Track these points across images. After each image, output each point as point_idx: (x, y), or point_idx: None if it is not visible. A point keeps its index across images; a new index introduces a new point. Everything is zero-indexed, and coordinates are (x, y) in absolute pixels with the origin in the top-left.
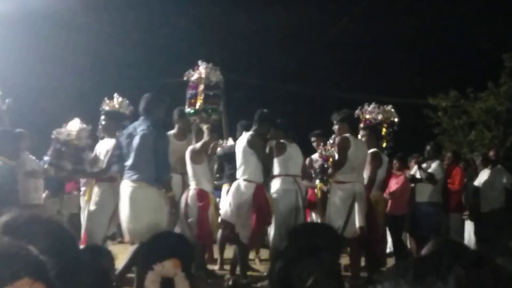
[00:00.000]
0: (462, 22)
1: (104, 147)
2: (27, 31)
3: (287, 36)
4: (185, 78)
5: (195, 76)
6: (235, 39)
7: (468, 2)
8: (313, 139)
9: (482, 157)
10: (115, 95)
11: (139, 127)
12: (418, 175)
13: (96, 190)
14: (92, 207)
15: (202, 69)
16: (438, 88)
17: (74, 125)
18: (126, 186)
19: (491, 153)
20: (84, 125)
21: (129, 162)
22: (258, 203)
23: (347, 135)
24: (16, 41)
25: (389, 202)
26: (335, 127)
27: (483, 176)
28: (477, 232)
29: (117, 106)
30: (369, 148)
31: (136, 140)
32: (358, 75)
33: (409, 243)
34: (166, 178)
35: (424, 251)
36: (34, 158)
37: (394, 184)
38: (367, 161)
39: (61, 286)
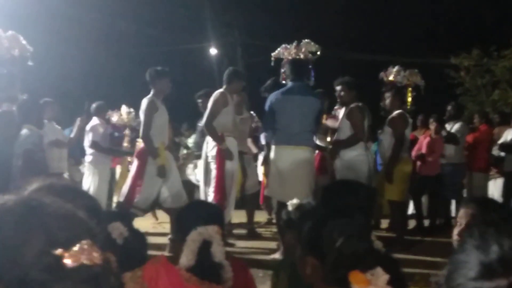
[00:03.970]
0: None
1: None
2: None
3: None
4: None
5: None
6: (251, 3)
7: None
8: (199, 100)
9: (499, 116)
10: (123, 106)
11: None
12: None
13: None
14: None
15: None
16: (460, 47)
17: (124, 110)
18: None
19: None
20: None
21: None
22: None
23: (360, 104)
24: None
25: (418, 163)
26: (342, 93)
27: (509, 135)
28: (505, 191)
29: (124, 117)
30: (393, 110)
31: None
32: (377, 36)
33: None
34: None
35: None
36: (59, 128)
37: (424, 145)
38: (393, 123)
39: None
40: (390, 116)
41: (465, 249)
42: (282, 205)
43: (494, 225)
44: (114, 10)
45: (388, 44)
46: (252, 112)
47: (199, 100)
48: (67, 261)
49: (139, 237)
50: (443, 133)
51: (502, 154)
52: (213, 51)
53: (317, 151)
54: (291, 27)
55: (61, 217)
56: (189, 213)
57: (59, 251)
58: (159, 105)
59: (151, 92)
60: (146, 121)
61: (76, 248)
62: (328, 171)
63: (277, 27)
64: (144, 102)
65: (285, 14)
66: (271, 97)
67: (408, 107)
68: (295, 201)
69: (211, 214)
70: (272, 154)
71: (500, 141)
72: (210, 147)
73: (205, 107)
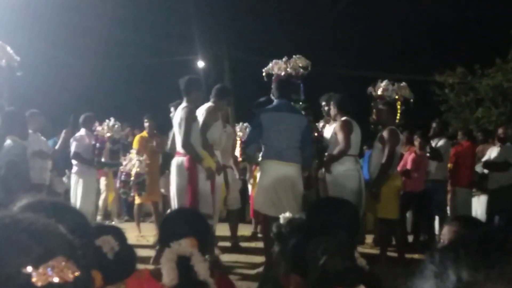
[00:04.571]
0: None
1: None
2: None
3: (291, 15)
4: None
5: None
6: (240, 17)
7: None
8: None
9: (482, 133)
10: (107, 120)
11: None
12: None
13: None
14: None
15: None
16: (445, 65)
17: (111, 123)
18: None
19: (500, 131)
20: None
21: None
22: None
23: (348, 118)
24: (23, 26)
25: (403, 179)
26: (328, 108)
27: (492, 153)
28: (489, 208)
29: (105, 129)
30: (387, 125)
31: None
32: (365, 53)
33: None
34: None
35: (449, 230)
36: (44, 139)
37: (409, 161)
38: (385, 139)
39: (86, 265)
40: (381, 133)
41: (424, 275)
42: (269, 219)
43: (454, 252)
44: (104, 20)
45: (374, 61)
46: (246, 124)
47: (172, 109)
48: (36, 280)
49: (130, 251)
50: (428, 149)
51: (486, 171)
52: (200, 64)
53: None
54: (279, 42)
55: (36, 233)
56: (165, 226)
57: (29, 269)
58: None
59: (184, 101)
60: (187, 129)
61: (48, 265)
62: (313, 187)
63: (265, 41)
64: (184, 111)
65: (273, 28)
66: (259, 113)
67: (397, 121)
68: (287, 214)
69: (187, 225)
70: (259, 168)
71: (483, 159)
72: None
73: None
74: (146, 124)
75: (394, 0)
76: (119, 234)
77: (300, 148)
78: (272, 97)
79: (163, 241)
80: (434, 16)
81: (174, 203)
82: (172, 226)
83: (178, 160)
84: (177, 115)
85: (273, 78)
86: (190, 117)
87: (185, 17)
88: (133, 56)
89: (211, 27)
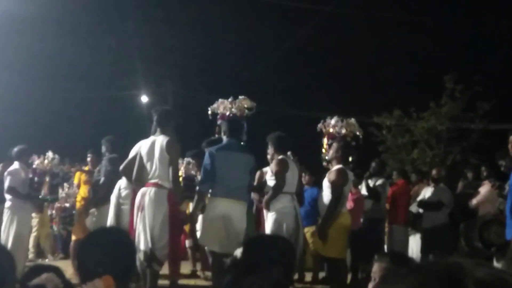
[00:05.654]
0: (406, 45)
1: None
2: None
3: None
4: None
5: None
6: (185, 55)
7: (411, 25)
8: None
9: (417, 174)
10: (47, 153)
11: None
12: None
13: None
14: None
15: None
16: (383, 107)
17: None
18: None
19: (434, 172)
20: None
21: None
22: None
23: (284, 157)
24: None
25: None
26: (269, 150)
27: (427, 193)
28: (423, 247)
29: (45, 162)
30: (336, 163)
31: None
32: (307, 93)
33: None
34: None
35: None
36: None
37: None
38: (332, 179)
39: None
40: (329, 171)
41: None
42: (216, 255)
43: None
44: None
45: (317, 101)
46: (188, 159)
47: (106, 145)
48: None
49: None
50: (364, 188)
51: (421, 211)
52: (144, 99)
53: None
54: (224, 80)
55: None
56: (79, 262)
57: None
58: None
59: (160, 132)
60: (177, 164)
61: None
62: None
63: (210, 79)
64: (174, 145)
65: (218, 66)
66: (210, 152)
67: (350, 158)
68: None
69: (105, 257)
70: (208, 205)
71: (418, 198)
72: (123, 191)
73: (108, 150)
74: (88, 159)
75: (337, 45)
76: (58, 272)
77: (246, 187)
78: (215, 135)
79: (81, 280)
80: (374, 60)
81: (145, 237)
82: (86, 261)
83: (157, 191)
84: (153, 146)
85: (218, 117)
86: (179, 151)
87: (130, 53)
88: (75, 90)
89: (156, 63)
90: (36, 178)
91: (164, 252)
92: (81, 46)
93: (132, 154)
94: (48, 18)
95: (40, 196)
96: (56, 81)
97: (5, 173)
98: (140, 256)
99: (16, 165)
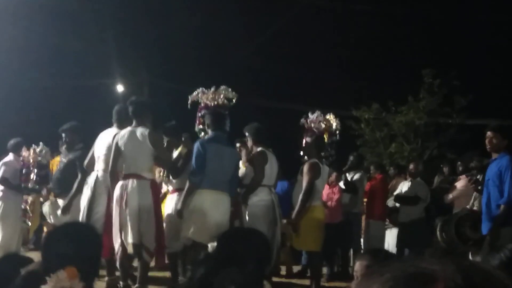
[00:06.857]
0: (385, 39)
1: None
2: None
3: (212, 43)
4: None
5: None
6: (160, 45)
7: (391, 19)
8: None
9: (395, 168)
10: (34, 145)
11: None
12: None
13: None
14: None
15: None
16: (361, 100)
17: (38, 148)
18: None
19: (411, 166)
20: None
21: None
22: None
23: (263, 149)
24: None
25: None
26: (248, 142)
27: (403, 187)
28: (399, 241)
29: (32, 156)
30: (311, 157)
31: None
32: (286, 86)
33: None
34: None
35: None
36: None
37: (330, 194)
38: (304, 172)
39: None
40: (302, 165)
41: None
42: (197, 246)
43: None
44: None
45: (297, 94)
46: None
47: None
48: None
49: None
50: (342, 182)
51: (397, 205)
52: (120, 88)
53: None
54: (201, 71)
55: None
56: (44, 252)
57: None
58: None
59: (137, 124)
60: (169, 154)
61: None
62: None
63: (186, 69)
64: (157, 137)
65: (193, 56)
66: (202, 143)
67: (323, 153)
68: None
69: (68, 247)
70: (196, 197)
71: (395, 193)
72: (100, 181)
73: (71, 141)
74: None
75: (316, 37)
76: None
77: (231, 180)
78: (198, 125)
79: (45, 272)
80: (353, 54)
81: (132, 230)
82: (50, 253)
83: (139, 183)
84: (132, 137)
85: (199, 106)
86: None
87: (106, 42)
88: (50, 79)
89: (131, 53)
90: (24, 170)
91: (152, 243)
92: (52, 31)
93: (95, 148)
94: (19, 2)
95: (29, 187)
96: (24, 67)
97: (0, 164)
98: (129, 248)
99: (10, 156)
